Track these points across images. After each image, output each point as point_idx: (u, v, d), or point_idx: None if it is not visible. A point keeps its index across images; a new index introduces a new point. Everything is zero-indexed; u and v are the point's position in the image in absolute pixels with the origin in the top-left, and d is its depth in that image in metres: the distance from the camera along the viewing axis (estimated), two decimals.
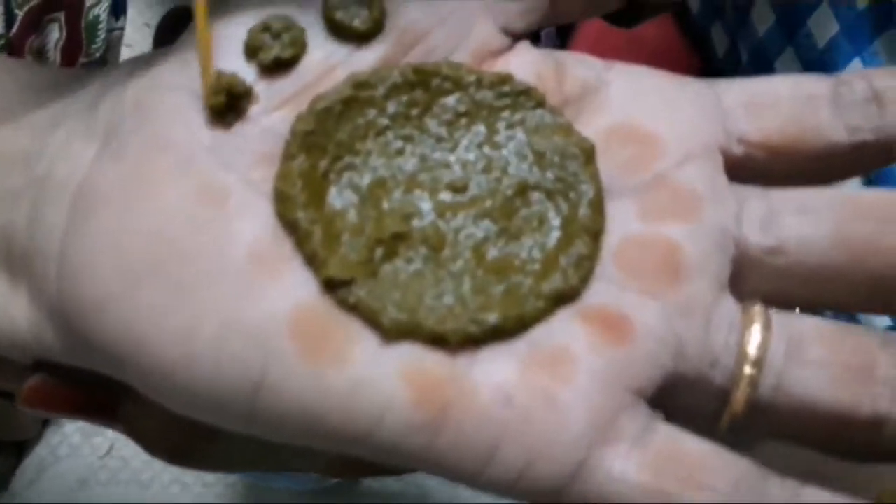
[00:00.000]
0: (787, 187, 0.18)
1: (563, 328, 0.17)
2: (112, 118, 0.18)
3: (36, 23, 0.41)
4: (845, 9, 0.44)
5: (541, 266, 0.17)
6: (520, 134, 0.18)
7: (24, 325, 0.18)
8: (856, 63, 0.45)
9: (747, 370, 0.17)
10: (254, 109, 0.18)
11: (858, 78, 0.19)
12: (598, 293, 0.17)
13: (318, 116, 0.18)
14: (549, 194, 0.18)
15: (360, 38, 0.18)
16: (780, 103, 0.19)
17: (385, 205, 0.18)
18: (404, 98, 0.18)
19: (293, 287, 0.17)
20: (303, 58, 0.18)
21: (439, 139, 0.18)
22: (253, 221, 0.17)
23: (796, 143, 0.19)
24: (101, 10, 0.45)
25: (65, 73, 0.21)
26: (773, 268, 0.18)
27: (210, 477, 0.49)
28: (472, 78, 0.18)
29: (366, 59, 0.18)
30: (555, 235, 0.18)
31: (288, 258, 0.17)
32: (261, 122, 0.18)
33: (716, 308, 0.17)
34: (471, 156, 0.18)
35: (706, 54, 0.57)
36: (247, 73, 0.18)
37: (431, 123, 0.18)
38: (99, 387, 0.19)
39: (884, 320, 0.43)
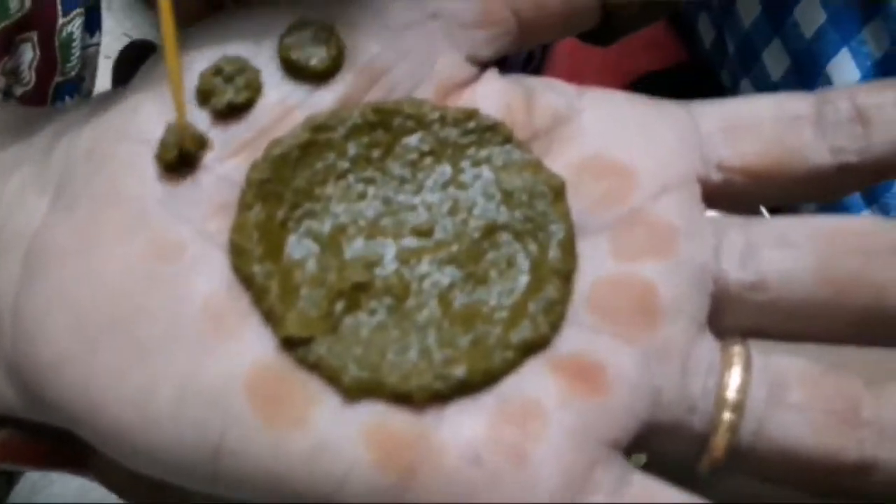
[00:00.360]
0: (767, 217, 0.18)
1: (533, 380, 0.16)
2: (65, 167, 0.18)
3: (8, 44, 0.40)
4: None
5: (509, 314, 0.17)
6: (486, 172, 0.18)
7: None
8: (844, 52, 0.44)
9: (727, 415, 0.16)
10: (208, 157, 0.17)
11: (842, 96, 0.18)
12: (570, 339, 0.16)
13: (273, 163, 0.17)
14: (518, 235, 0.17)
15: (318, 77, 0.18)
16: (761, 125, 0.18)
17: (346, 253, 0.17)
18: (365, 139, 0.18)
19: (250, 346, 0.16)
20: (258, 101, 0.17)
21: (402, 181, 0.18)
22: (208, 276, 0.16)
23: (778, 166, 0.18)
24: (75, 28, 0.44)
25: (22, 113, 0.21)
26: (754, 303, 0.17)
27: None
28: (435, 115, 0.18)
29: (324, 99, 0.18)
30: (524, 279, 0.17)
31: (245, 314, 0.16)
32: (216, 171, 0.17)
33: (693, 350, 0.17)
34: (436, 197, 0.18)
35: (693, 46, 0.57)
36: (200, 119, 0.17)
37: (394, 165, 0.18)
38: (67, 438, 0.19)
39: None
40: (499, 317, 0.17)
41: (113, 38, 0.53)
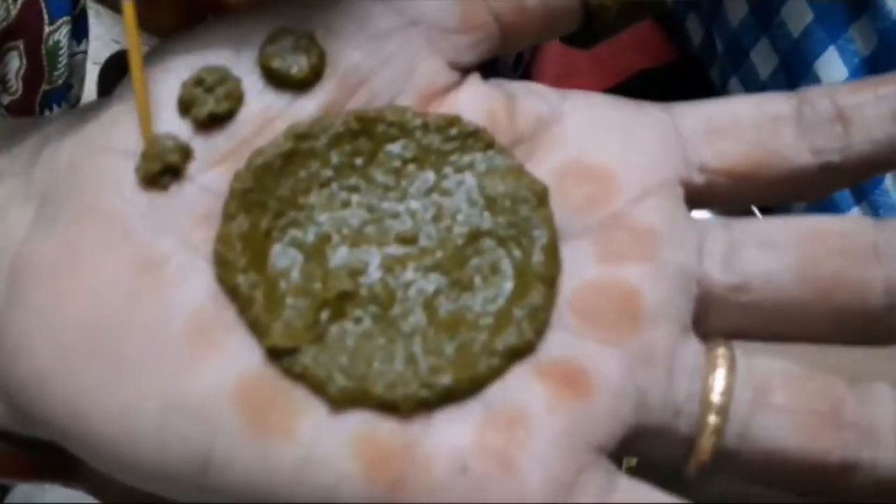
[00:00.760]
0: (749, 218, 0.18)
1: (518, 386, 0.16)
2: (47, 180, 0.18)
3: None
4: None
5: (494, 320, 0.17)
6: (469, 178, 0.18)
7: None
8: (831, 51, 0.44)
9: (712, 419, 0.16)
10: (191, 167, 0.17)
11: (821, 95, 0.18)
12: (555, 344, 0.17)
13: (256, 173, 0.17)
14: (502, 241, 0.17)
15: (299, 86, 0.18)
16: (742, 127, 0.18)
17: (331, 262, 0.17)
18: (348, 147, 0.18)
19: (236, 357, 0.16)
20: (239, 110, 0.17)
21: (386, 188, 0.18)
22: (193, 289, 0.16)
23: (760, 167, 0.18)
24: (62, 36, 0.44)
25: (5, 125, 0.21)
26: (737, 304, 0.17)
27: None
28: (417, 122, 0.18)
29: (306, 107, 0.18)
30: (508, 285, 0.17)
31: (230, 326, 0.16)
32: (198, 181, 0.17)
33: (678, 353, 0.17)
34: (419, 204, 0.18)
35: (682, 45, 0.57)
36: (181, 129, 0.17)
37: (377, 172, 0.18)
38: (58, 451, 0.18)
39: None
40: (484, 323, 0.17)
41: (102, 44, 0.53)
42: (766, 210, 0.39)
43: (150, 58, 0.18)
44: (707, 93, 0.53)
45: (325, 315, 0.16)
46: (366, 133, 0.18)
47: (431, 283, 0.17)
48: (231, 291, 0.16)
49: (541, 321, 0.16)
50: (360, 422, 0.16)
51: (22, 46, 0.42)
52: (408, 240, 0.17)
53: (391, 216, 0.17)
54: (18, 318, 0.16)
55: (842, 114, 0.18)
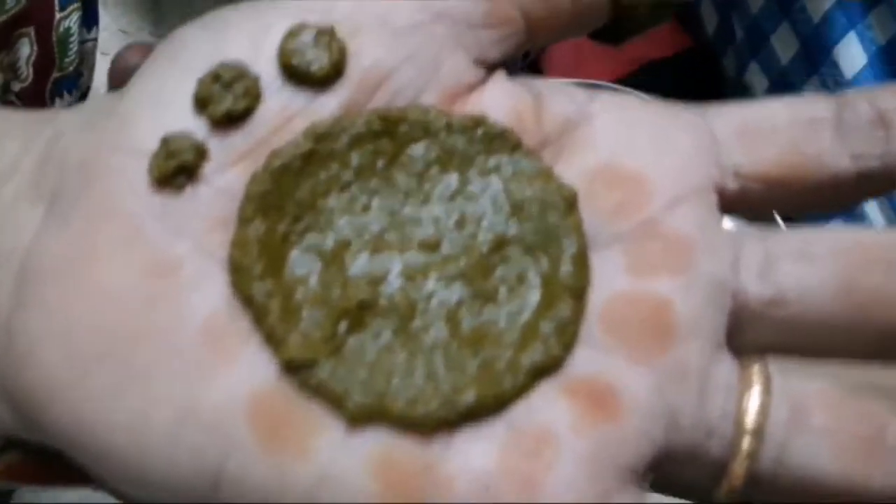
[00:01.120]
0: (785, 229, 0.17)
1: (544, 405, 0.15)
2: (58, 179, 0.17)
3: (5, 39, 0.39)
4: None
5: (520, 334, 0.16)
6: (495, 182, 0.17)
7: None
8: (850, 36, 0.44)
9: (746, 441, 0.15)
10: (207, 168, 0.16)
11: (861, 99, 0.17)
12: (583, 361, 0.16)
13: (274, 175, 0.16)
14: (528, 249, 0.17)
15: (320, 83, 0.17)
16: (778, 130, 0.17)
17: (350, 269, 0.16)
18: (369, 149, 0.17)
19: (250, 369, 0.15)
20: (257, 109, 0.17)
21: (408, 192, 0.17)
22: (207, 295, 0.16)
23: (796, 173, 0.17)
24: (73, 23, 0.43)
25: (16, 118, 0.20)
26: (774, 319, 0.16)
27: None
28: (442, 122, 0.17)
29: (326, 106, 0.17)
30: (534, 297, 0.16)
31: (245, 335, 0.16)
32: (214, 182, 0.16)
33: (711, 371, 0.16)
34: (443, 209, 0.17)
35: (695, 33, 0.56)
36: (197, 127, 0.17)
37: (399, 175, 0.17)
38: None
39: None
40: (509, 338, 0.16)
41: (109, 34, 0.53)
42: (788, 219, 0.38)
43: (163, 51, 0.17)
44: (720, 81, 0.52)
45: (343, 326, 0.16)
46: (388, 134, 0.17)
47: (454, 293, 0.16)
48: (246, 300, 0.16)
49: (569, 336, 0.16)
50: (378, 440, 0.15)
51: (33, 33, 0.41)
52: (430, 247, 0.17)
53: (413, 222, 0.17)
54: (28, 320, 0.16)
55: (883, 117, 0.17)
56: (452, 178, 0.17)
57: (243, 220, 0.16)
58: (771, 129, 0.18)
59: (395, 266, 0.16)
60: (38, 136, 0.18)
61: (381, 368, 0.15)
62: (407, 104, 0.17)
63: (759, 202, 0.18)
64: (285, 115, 0.17)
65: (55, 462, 0.19)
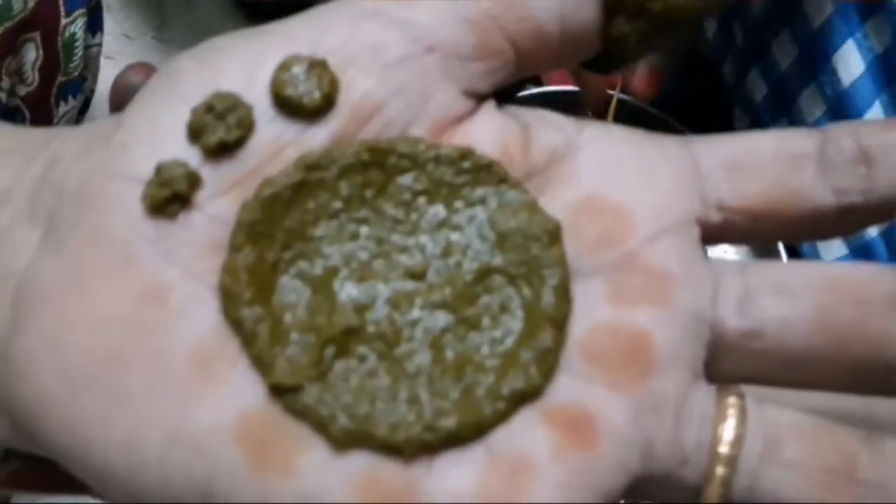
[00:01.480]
0: (765, 262, 0.17)
1: (524, 431, 0.16)
2: (55, 203, 0.17)
3: (11, 43, 0.40)
4: None
5: (501, 362, 0.16)
6: (481, 213, 0.17)
7: None
8: (849, 44, 0.44)
9: (720, 470, 0.16)
10: (199, 196, 0.17)
11: (845, 134, 0.18)
12: (562, 389, 0.16)
13: (264, 203, 0.17)
14: (512, 279, 0.17)
15: (311, 114, 0.17)
16: (762, 164, 0.18)
17: (337, 296, 0.17)
18: (358, 179, 0.17)
19: (238, 393, 0.16)
20: (250, 138, 0.17)
21: (396, 221, 0.17)
22: (196, 320, 0.16)
23: (779, 207, 0.18)
24: (78, 28, 0.44)
25: (17, 137, 0.20)
26: (751, 351, 0.17)
27: None
28: (430, 154, 0.17)
29: (317, 136, 0.17)
30: (517, 325, 0.17)
31: (233, 359, 0.16)
32: (207, 210, 0.17)
33: (687, 401, 0.16)
34: (429, 239, 0.17)
35: (694, 38, 0.56)
36: (191, 156, 0.17)
37: (387, 205, 0.17)
38: None
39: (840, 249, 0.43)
40: (490, 365, 0.16)
41: (113, 38, 0.53)
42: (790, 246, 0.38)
43: (159, 80, 0.18)
44: (718, 91, 0.52)
45: (329, 352, 0.16)
46: (377, 164, 0.17)
47: (439, 320, 0.17)
48: (235, 325, 0.16)
49: (549, 365, 0.16)
50: (362, 463, 0.15)
51: (39, 38, 0.42)
52: (416, 275, 0.17)
53: (400, 250, 0.17)
54: (24, 342, 0.16)
55: (866, 154, 0.17)
56: (439, 209, 0.17)
57: (234, 247, 0.17)
58: (756, 164, 0.18)
59: (381, 293, 0.17)
60: (35, 160, 0.18)
61: (365, 393, 0.16)
62: (396, 136, 0.18)
63: (741, 234, 0.18)
64: (277, 144, 0.17)
65: (54, 470, 0.19)
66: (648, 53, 0.21)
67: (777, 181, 0.18)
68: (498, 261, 0.17)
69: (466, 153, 0.18)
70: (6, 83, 0.41)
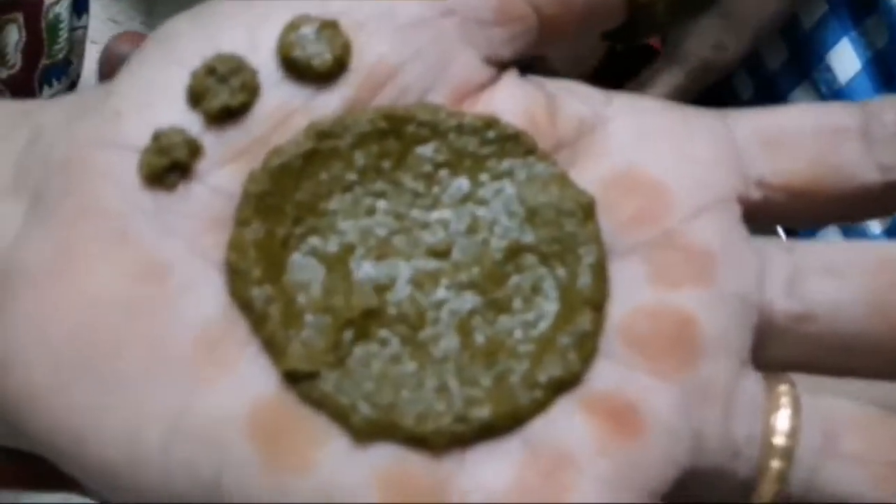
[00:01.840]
0: (813, 242, 0.16)
1: (563, 422, 0.14)
2: (40, 175, 0.16)
3: None
4: None
5: (536, 347, 0.15)
6: (508, 187, 0.16)
7: None
8: (844, 43, 0.43)
9: (775, 463, 0.15)
10: (200, 165, 0.15)
11: (887, 108, 0.17)
12: (603, 376, 0.15)
13: (273, 174, 0.15)
14: (544, 258, 0.16)
15: (321, 78, 0.16)
16: (803, 139, 0.17)
17: (354, 275, 0.15)
18: (374, 148, 0.16)
19: (249, 380, 0.14)
20: (255, 104, 0.16)
21: (416, 195, 0.16)
22: (201, 299, 0.15)
23: (822, 184, 0.16)
24: (63, 9, 0.42)
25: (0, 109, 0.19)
26: (801, 335, 0.16)
27: None
28: (452, 123, 0.16)
29: (328, 103, 0.16)
30: (551, 308, 0.15)
31: (243, 343, 0.15)
32: (208, 181, 0.15)
33: (737, 389, 0.15)
34: (452, 214, 0.16)
35: None
36: (191, 122, 0.16)
37: (406, 177, 0.16)
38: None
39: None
40: (524, 350, 0.15)
41: (99, 22, 0.52)
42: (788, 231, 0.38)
43: (154, 42, 0.16)
44: (706, 89, 0.51)
45: (347, 335, 0.15)
46: (394, 133, 0.16)
47: (466, 302, 0.15)
48: (244, 305, 0.15)
49: (588, 350, 0.15)
50: (386, 456, 0.14)
51: (21, 19, 0.40)
52: (439, 253, 0.16)
53: (421, 226, 0.16)
54: (8, 328, 0.15)
55: None
56: (462, 182, 0.16)
57: (240, 222, 0.15)
58: (795, 138, 0.17)
59: (402, 272, 0.15)
60: (18, 131, 0.17)
61: (388, 380, 0.15)
62: (413, 103, 0.16)
63: (781, 213, 0.17)
64: (285, 111, 0.16)
65: (38, 466, 0.18)
66: (674, 24, 0.20)
67: (819, 157, 0.17)
68: (529, 238, 0.16)
69: (491, 122, 0.16)
70: None
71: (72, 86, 0.45)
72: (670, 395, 0.15)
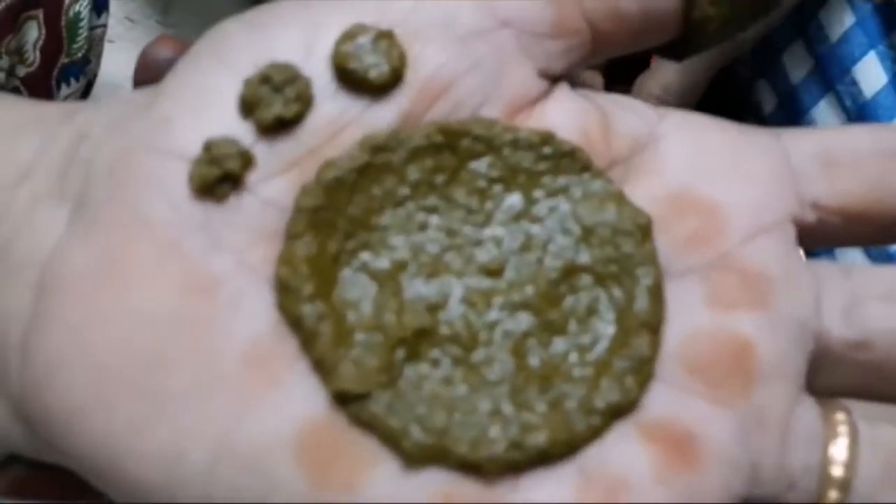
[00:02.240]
0: (870, 266, 0.16)
1: (620, 450, 0.14)
2: (85, 181, 0.15)
3: (12, 21, 0.38)
4: (861, 2, 0.43)
5: (593, 371, 0.15)
6: (563, 204, 0.16)
7: None
8: (871, 56, 0.43)
9: (833, 495, 0.14)
10: (251, 177, 0.15)
11: None
12: (660, 401, 0.15)
13: (327, 188, 0.15)
14: (600, 279, 0.15)
15: (377, 90, 0.15)
16: (860, 161, 0.16)
17: (406, 293, 0.15)
18: (428, 163, 0.16)
19: (298, 400, 0.14)
20: (308, 115, 0.15)
21: (469, 211, 0.16)
22: (250, 315, 0.14)
23: (879, 208, 0.16)
24: (83, 7, 0.42)
25: (33, 109, 0.18)
26: (857, 363, 0.15)
27: None
28: (507, 137, 0.16)
29: (383, 115, 0.16)
30: (608, 331, 0.15)
31: (292, 361, 0.14)
32: (260, 193, 0.15)
33: (793, 417, 0.15)
34: (506, 231, 0.16)
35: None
36: (243, 132, 0.15)
37: (459, 192, 0.16)
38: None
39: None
40: (580, 374, 0.15)
41: (116, 21, 0.51)
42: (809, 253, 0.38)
43: (205, 46, 0.16)
44: (728, 100, 0.51)
45: (399, 355, 0.14)
46: (449, 147, 0.16)
47: (520, 323, 0.15)
48: (294, 322, 0.14)
49: (646, 375, 0.14)
50: (438, 481, 0.14)
51: (41, 16, 0.40)
52: (492, 272, 0.15)
53: (473, 243, 0.15)
54: (47, 339, 0.14)
55: None
56: (516, 198, 0.16)
57: (292, 236, 0.15)
58: (852, 160, 0.16)
59: (454, 291, 0.15)
60: (59, 134, 0.16)
61: (440, 403, 0.14)
62: (468, 116, 0.16)
63: (835, 235, 0.17)
64: (338, 123, 0.15)
65: (63, 477, 0.17)
66: (726, 39, 0.20)
67: (877, 179, 0.16)
68: (584, 258, 0.15)
69: (547, 137, 0.16)
70: (5, 62, 0.39)
71: (88, 85, 0.45)
72: (728, 422, 0.14)
